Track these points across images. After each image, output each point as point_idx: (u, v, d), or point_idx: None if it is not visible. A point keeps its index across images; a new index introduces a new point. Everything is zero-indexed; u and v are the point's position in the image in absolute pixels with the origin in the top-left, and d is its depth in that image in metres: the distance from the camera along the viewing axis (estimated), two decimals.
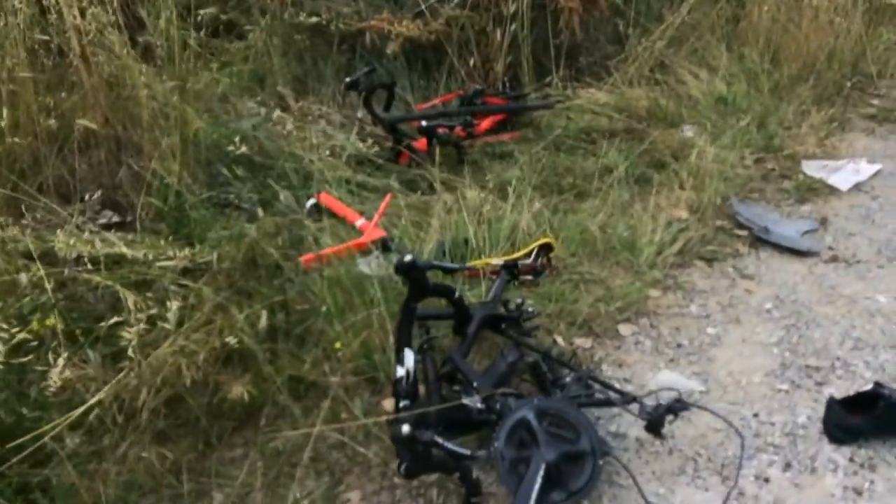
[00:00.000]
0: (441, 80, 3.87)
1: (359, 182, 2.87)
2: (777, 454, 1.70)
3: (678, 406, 1.63)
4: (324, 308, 1.84)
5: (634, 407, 1.67)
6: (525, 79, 3.91)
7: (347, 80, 3.20)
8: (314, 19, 3.53)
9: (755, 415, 1.82)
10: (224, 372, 1.66)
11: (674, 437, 1.76)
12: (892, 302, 2.25)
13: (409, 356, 1.60)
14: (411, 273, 1.68)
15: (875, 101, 3.80)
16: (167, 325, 1.76)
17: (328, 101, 3.64)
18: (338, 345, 1.75)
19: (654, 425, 1.62)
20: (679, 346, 2.08)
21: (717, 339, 2.11)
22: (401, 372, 1.60)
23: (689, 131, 3.20)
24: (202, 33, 3.12)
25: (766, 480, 1.63)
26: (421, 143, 3.16)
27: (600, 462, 1.52)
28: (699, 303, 2.27)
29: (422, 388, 1.77)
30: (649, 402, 1.68)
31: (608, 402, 1.69)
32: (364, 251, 2.51)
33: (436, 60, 3.92)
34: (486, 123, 3.49)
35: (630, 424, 1.78)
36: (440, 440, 1.46)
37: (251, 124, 2.92)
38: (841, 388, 1.90)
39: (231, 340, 1.61)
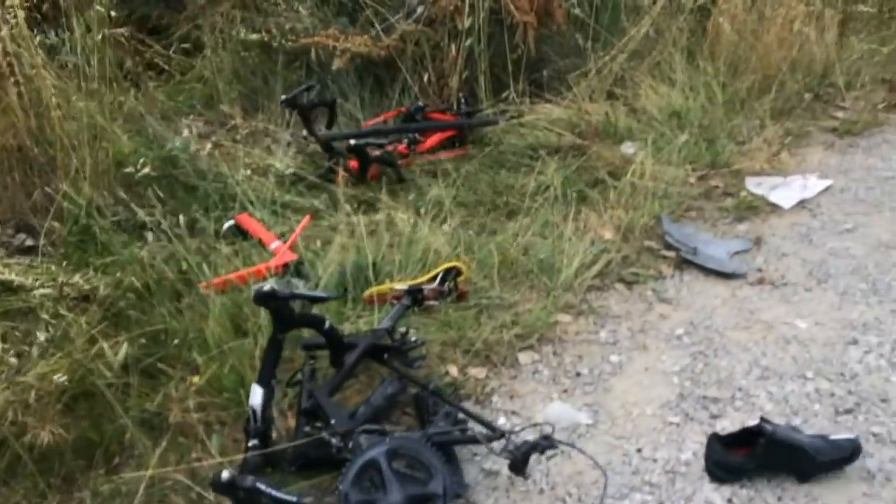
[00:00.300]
0: (394, 96, 3.85)
1: (284, 202, 2.84)
2: (652, 494, 1.61)
3: (544, 444, 1.55)
4: (191, 336, 1.79)
5: (501, 444, 1.60)
6: (482, 94, 3.88)
7: (284, 97, 3.17)
8: (256, 36, 3.52)
9: (639, 450, 1.73)
10: (71, 411, 1.61)
11: (549, 475, 1.69)
12: (812, 328, 2.15)
13: (257, 393, 1.54)
14: (270, 303, 1.63)
15: (839, 114, 3.67)
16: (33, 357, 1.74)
17: (276, 119, 3.63)
18: (195, 379, 1.70)
19: (517, 464, 1.55)
20: (578, 374, 2.00)
21: (618, 367, 2.03)
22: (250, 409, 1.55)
23: (629, 148, 3.11)
24: (140, 50, 3.13)
25: None
26: (355, 162, 3.13)
27: None
28: (609, 329, 2.19)
29: (292, 423, 1.72)
30: (521, 438, 1.61)
31: (470, 440, 1.62)
32: (276, 275, 2.48)
33: (389, 76, 3.88)
34: (432, 140, 3.44)
35: (505, 462, 1.70)
36: (263, 486, 1.39)
37: (177, 144, 2.91)
38: (736, 422, 1.80)
39: (59, 379, 1.56)
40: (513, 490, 1.64)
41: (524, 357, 2.07)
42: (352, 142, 2.95)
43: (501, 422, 1.83)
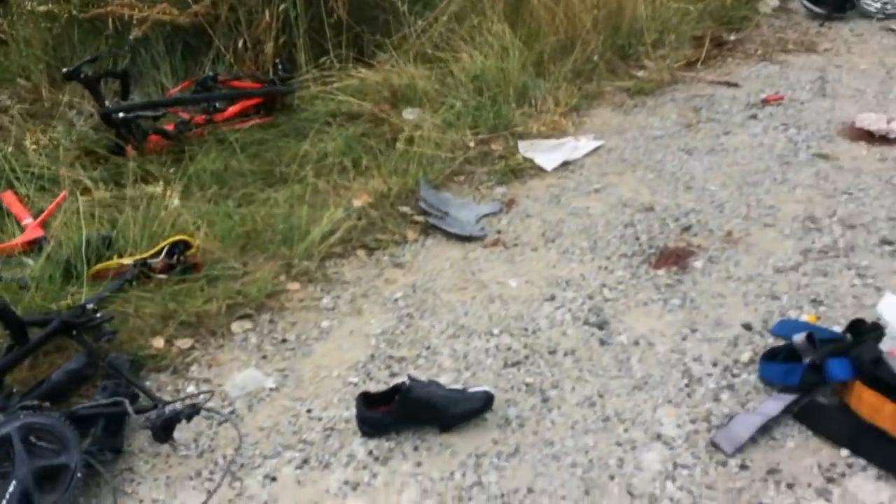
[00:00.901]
0: (207, 65, 3.82)
1: (53, 178, 2.83)
2: (302, 451, 1.73)
3: (188, 412, 1.65)
4: None
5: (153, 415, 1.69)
6: (302, 60, 3.89)
7: (65, 70, 3.13)
8: (43, 7, 3.44)
9: (308, 410, 1.85)
10: None
11: (214, 440, 1.79)
12: (521, 286, 2.28)
13: None
14: None
15: (640, 73, 3.81)
16: None
17: (83, 91, 3.57)
18: None
19: (157, 433, 1.64)
20: (284, 341, 2.10)
21: (326, 332, 2.13)
22: None
23: (410, 114, 3.18)
24: None
25: (273, 479, 1.67)
26: (155, 135, 3.12)
27: (79, 475, 1.54)
28: (334, 295, 2.29)
29: None
30: (172, 408, 1.70)
31: (117, 412, 1.70)
32: (25, 251, 2.50)
33: (203, 44, 3.86)
34: (234, 109, 3.45)
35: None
36: None
37: None
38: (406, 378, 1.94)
39: None
40: (174, 455, 1.74)
41: (237, 326, 2.15)
42: (120, 115, 2.95)
43: (191, 390, 1.93)
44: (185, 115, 3.27)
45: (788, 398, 1.71)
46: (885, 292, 1.83)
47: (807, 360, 1.74)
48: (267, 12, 3.77)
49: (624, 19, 4.00)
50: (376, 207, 2.67)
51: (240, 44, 3.78)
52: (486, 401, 1.75)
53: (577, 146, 3.11)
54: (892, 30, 4.11)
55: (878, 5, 4.33)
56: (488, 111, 3.30)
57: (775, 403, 1.70)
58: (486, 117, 3.27)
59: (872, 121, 3.00)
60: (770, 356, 1.83)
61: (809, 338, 1.79)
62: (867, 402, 1.60)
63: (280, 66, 3.73)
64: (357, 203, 2.64)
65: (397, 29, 4.03)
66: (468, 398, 1.74)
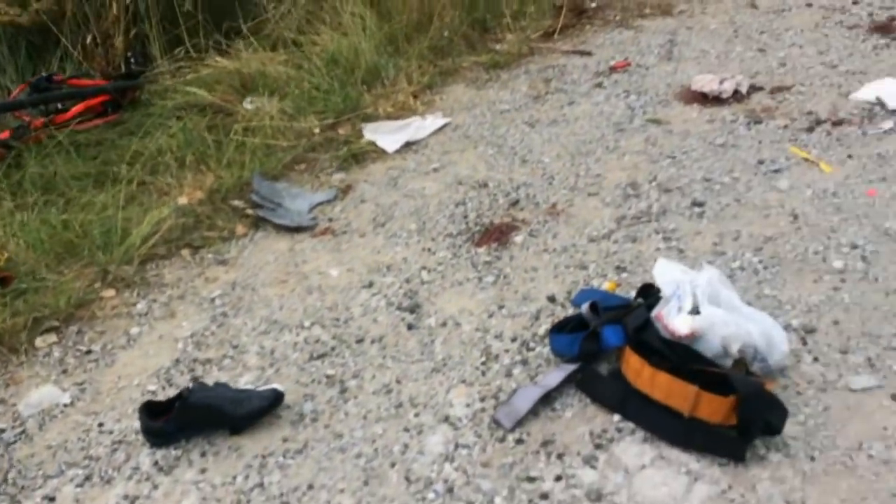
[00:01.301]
0: (55, 64, 3.67)
1: None
2: (86, 468, 1.70)
3: None
4: None
5: None
6: (156, 52, 3.76)
7: None
8: None
9: (100, 424, 1.81)
10: None
11: (11, 460, 1.74)
12: (343, 275, 2.26)
13: None
14: None
15: (498, 46, 3.80)
16: None
17: None
18: None
19: None
20: (88, 352, 2.04)
21: (134, 339, 2.08)
22: None
23: (250, 103, 3.11)
24: None
25: (52, 500, 1.63)
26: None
27: None
28: (150, 299, 2.23)
29: None
30: None
31: None
32: None
33: (52, 42, 3.70)
34: (76, 109, 3.31)
35: None
36: None
37: None
38: (221, 379, 1.92)
39: None
40: None
41: (41, 341, 2.08)
42: None
43: None
44: (26, 119, 3.15)
45: (570, 368, 1.75)
46: (659, 259, 1.87)
47: (591, 329, 1.78)
48: (115, 5, 3.64)
49: None
50: (207, 203, 2.61)
51: (88, 39, 3.66)
52: (274, 399, 1.73)
53: (423, 125, 3.09)
54: None
55: None
56: (337, 95, 3.26)
57: (556, 374, 1.73)
58: (335, 101, 3.23)
59: (706, 82, 3.06)
60: (559, 328, 1.86)
61: (593, 306, 1.82)
62: (632, 367, 1.64)
63: (132, 60, 3.61)
64: (184, 201, 2.58)
65: (256, 14, 3.96)
66: (253, 397, 1.72)
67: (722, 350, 1.63)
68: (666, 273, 1.75)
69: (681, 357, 1.63)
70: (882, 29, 3.41)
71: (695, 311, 1.65)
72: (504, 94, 3.34)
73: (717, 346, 1.62)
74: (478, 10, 3.96)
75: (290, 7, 3.92)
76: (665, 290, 1.73)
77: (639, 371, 1.61)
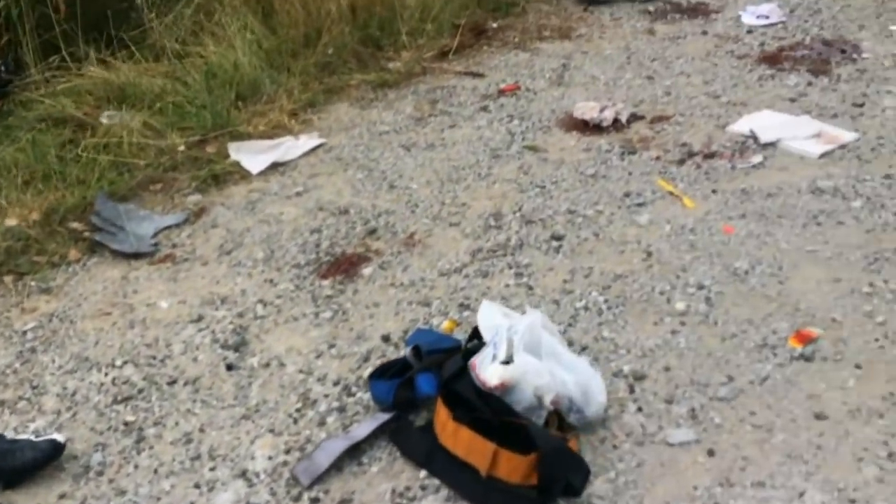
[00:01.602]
0: None
1: None
2: None
3: None
4: None
5: None
6: (30, 60, 3.54)
7: None
8: None
9: None
10: None
11: None
12: (174, 307, 2.10)
13: None
14: None
15: (391, 65, 3.70)
16: None
17: None
18: None
19: None
20: None
21: None
22: None
23: (107, 118, 2.93)
24: None
25: None
26: None
27: None
28: None
29: None
30: None
31: None
32: None
33: None
34: None
35: None
36: None
37: None
38: (1, 425, 1.75)
39: None
40: None
41: None
42: None
43: None
44: None
45: (385, 418, 1.63)
46: (482, 300, 1.78)
47: (407, 376, 1.67)
48: None
49: (376, 8, 3.88)
50: (42, 225, 2.41)
51: None
52: (52, 450, 1.56)
53: (295, 146, 2.95)
54: (649, 11, 4.19)
55: None
56: (209, 110, 3.10)
57: (368, 425, 1.61)
58: (206, 117, 3.07)
59: (587, 110, 3.00)
60: (381, 372, 1.74)
61: (416, 350, 1.72)
62: (440, 419, 1.53)
63: (3, 69, 3.40)
64: (13, 222, 2.39)
65: (139, 24, 3.78)
66: (27, 449, 1.55)
67: (536, 401, 1.53)
68: (488, 317, 1.65)
69: (492, 409, 1.53)
70: (770, 59, 3.43)
71: (510, 359, 1.55)
72: (387, 114, 3.23)
73: (530, 397, 1.53)
74: (371, 27, 3.85)
75: (175, 17, 3.76)
76: (485, 336, 1.63)
77: (444, 424, 1.50)
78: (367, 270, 2.21)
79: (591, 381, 1.58)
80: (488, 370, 1.53)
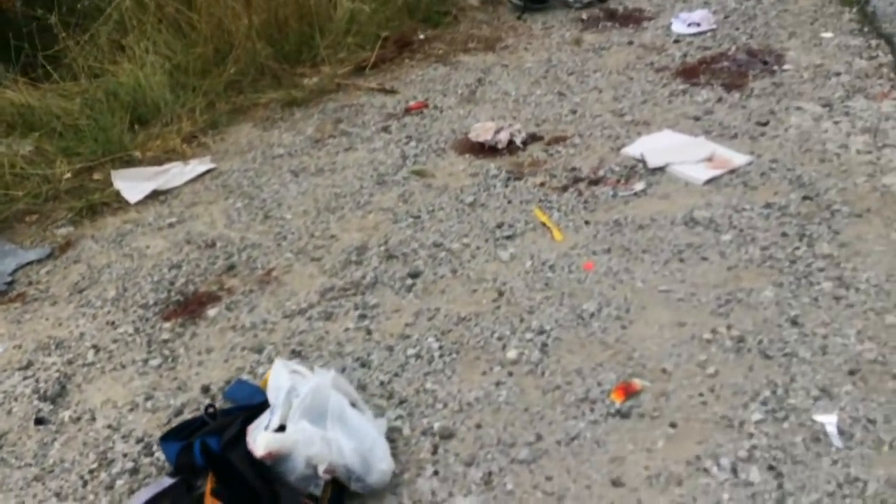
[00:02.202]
0: None
1: None
2: None
3: None
4: None
5: None
6: None
7: None
8: None
9: None
10: None
11: None
12: (7, 353, 2.05)
13: None
14: None
15: (306, 81, 3.62)
16: None
17: None
18: None
19: None
20: None
21: None
22: None
23: None
24: None
25: None
26: None
27: None
28: None
29: None
30: None
31: None
32: None
33: None
34: None
35: None
36: None
37: None
38: None
39: None
40: None
41: None
42: None
43: None
44: None
45: (166, 483, 1.57)
46: (276, 359, 1.69)
47: (190, 440, 1.60)
48: None
49: (293, 22, 3.80)
50: None
51: None
52: None
53: (181, 172, 2.88)
54: (582, 19, 4.06)
55: None
56: (103, 134, 3.05)
57: (147, 492, 1.54)
58: (97, 141, 3.01)
59: (482, 132, 2.90)
60: (176, 431, 1.67)
61: (209, 410, 1.65)
62: (208, 489, 1.47)
63: None
64: None
65: (52, 43, 3.73)
66: None
67: (310, 471, 1.46)
68: (276, 377, 1.58)
69: (263, 479, 1.46)
70: (687, 73, 3.30)
71: (283, 426, 1.48)
72: (287, 136, 3.15)
73: (303, 466, 1.46)
74: (288, 42, 3.77)
75: (91, 36, 3.70)
76: (270, 398, 1.56)
77: (207, 494, 1.44)
78: (212, 311, 2.15)
79: (373, 447, 1.50)
80: (258, 439, 1.46)
